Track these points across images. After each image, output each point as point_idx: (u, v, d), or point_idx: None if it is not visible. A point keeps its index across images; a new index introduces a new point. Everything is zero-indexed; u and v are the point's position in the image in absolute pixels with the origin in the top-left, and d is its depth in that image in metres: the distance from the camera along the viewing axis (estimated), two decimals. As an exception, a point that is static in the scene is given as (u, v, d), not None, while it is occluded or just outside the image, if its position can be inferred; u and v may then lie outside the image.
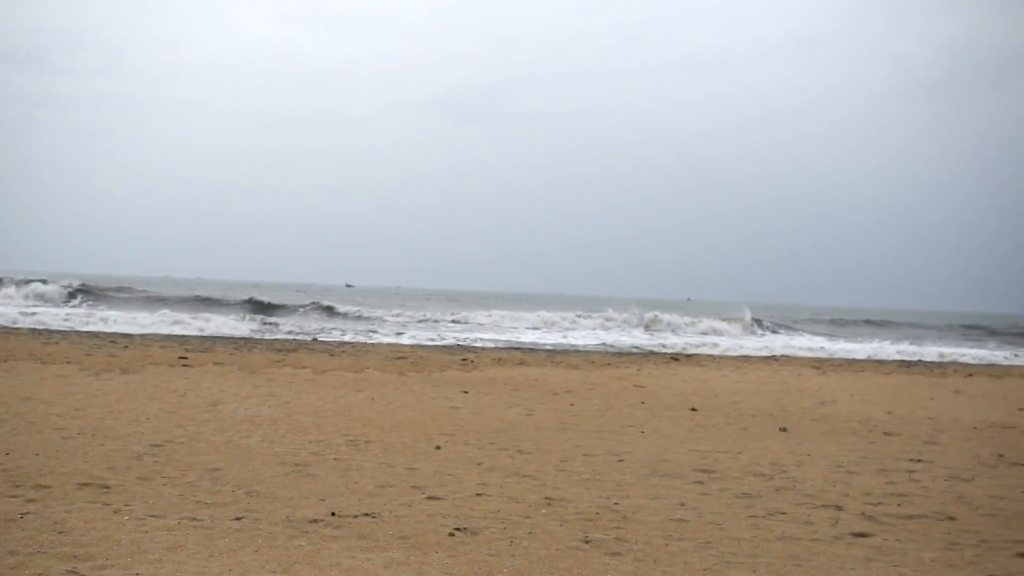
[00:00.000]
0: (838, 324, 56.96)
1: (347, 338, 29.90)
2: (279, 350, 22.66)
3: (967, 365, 29.38)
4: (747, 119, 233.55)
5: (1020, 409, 16.20)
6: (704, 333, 41.82)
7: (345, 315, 43.51)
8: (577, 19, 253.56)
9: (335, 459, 8.96)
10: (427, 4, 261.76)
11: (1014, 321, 76.55)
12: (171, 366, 17.43)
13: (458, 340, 30.94)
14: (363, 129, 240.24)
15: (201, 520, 6.48)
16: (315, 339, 28.60)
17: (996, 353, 37.28)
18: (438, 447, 9.89)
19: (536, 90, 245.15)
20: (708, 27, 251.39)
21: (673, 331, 42.29)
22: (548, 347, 29.81)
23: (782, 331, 48.06)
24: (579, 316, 44.67)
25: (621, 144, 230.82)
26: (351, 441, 10.05)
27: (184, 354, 19.93)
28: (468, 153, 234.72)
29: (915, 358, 32.03)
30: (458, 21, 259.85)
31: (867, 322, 59.91)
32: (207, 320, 32.38)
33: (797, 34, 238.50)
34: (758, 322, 47.80)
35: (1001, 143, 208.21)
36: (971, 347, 40.97)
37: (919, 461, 10.25)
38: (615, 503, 7.50)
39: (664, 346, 32.60)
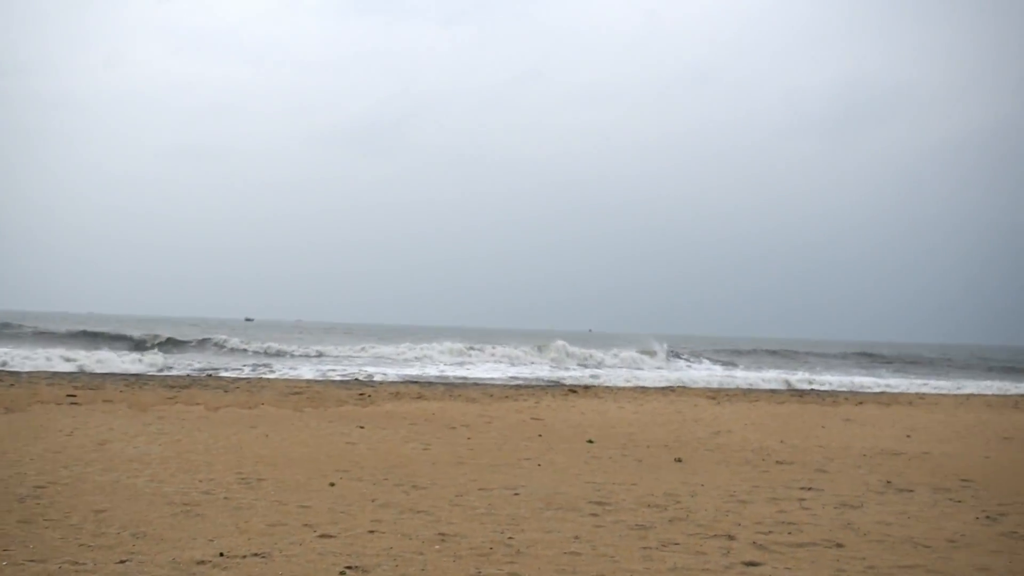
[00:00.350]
0: (738, 354, 57.87)
1: (243, 373, 29.46)
2: (172, 386, 22.21)
3: (858, 393, 30.09)
4: (642, 152, 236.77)
5: (908, 436, 16.61)
6: (605, 365, 42.08)
7: (242, 350, 42.88)
8: (477, 52, 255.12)
9: (225, 498, 8.79)
10: (325, 36, 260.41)
11: (906, 349, 78.93)
12: (59, 404, 16.97)
13: (356, 374, 30.69)
14: (261, 161, 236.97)
15: (83, 564, 6.30)
16: (209, 375, 28.10)
17: (888, 381, 38.29)
18: (332, 484, 9.77)
19: (436, 122, 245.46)
20: (606, 62, 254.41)
21: (581, 363, 42.46)
22: (446, 380, 29.74)
23: (690, 361, 48.74)
24: (479, 349, 44.66)
25: (520, 175, 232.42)
26: (243, 479, 9.87)
27: (73, 392, 19.43)
28: (368, 185, 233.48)
29: (809, 387, 32.75)
30: (356, 53, 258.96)
31: (768, 352, 61.02)
32: (98, 356, 31.60)
33: (693, 69, 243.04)
34: (673, 353, 48.41)
35: (887, 175, 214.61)
36: (863, 375, 42.03)
37: (810, 489, 10.43)
38: (509, 537, 7.48)
39: (572, 378, 32.80)
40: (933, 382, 38.52)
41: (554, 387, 27.93)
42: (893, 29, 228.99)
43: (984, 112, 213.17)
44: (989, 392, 33.83)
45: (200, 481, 9.66)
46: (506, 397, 22.48)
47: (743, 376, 37.12)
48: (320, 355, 41.64)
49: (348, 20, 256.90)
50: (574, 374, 35.50)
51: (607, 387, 28.58)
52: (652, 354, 46.40)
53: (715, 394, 26.22)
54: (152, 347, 40.89)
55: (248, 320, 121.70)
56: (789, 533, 7.96)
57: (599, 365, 42.01)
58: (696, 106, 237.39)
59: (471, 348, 44.46)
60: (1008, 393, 33.68)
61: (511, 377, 32.72)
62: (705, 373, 39.53)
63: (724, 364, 48.38)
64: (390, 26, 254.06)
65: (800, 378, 36.23)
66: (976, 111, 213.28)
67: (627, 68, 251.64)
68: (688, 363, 47.71)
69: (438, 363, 39.57)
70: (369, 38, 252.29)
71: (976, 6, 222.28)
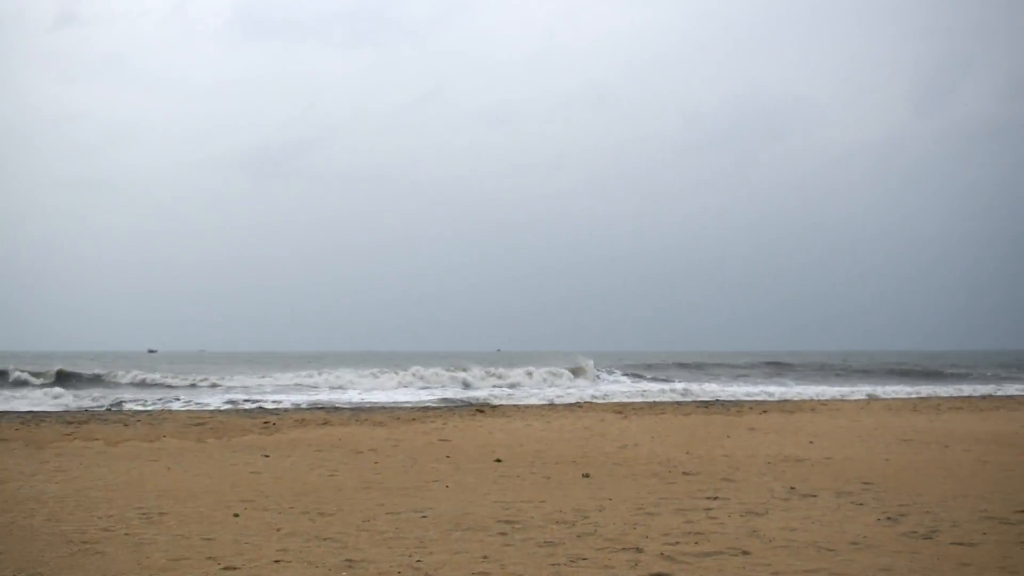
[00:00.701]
0: (647, 367, 58.42)
1: (145, 406, 28.85)
2: (69, 422, 21.63)
3: (762, 402, 30.58)
4: (544, 171, 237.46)
5: (811, 442, 16.91)
6: (519, 385, 42.06)
7: (142, 382, 42.02)
8: (376, 75, 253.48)
9: (126, 534, 8.56)
10: (221, 61, 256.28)
11: (811, 358, 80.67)
12: (-51, 445, 16.42)
13: (261, 402, 30.26)
14: (158, 189, 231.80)
15: (-26, 610, 6.09)
16: (109, 409, 27.47)
17: (794, 389, 39.06)
18: (236, 515, 9.59)
19: (336, 146, 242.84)
20: (505, 82, 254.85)
21: (495, 383, 42.35)
22: (353, 405, 29.51)
23: (600, 373, 49.10)
24: (390, 372, 44.39)
25: (420, 196, 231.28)
26: (144, 514, 9.63)
27: (-36, 432, 18.82)
28: (268, 212, 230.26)
29: (715, 398, 33.23)
30: (254, 78, 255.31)
31: (677, 364, 61.79)
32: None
33: (592, 88, 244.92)
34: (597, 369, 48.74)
35: (785, 188, 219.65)
36: (768, 384, 42.82)
37: (716, 499, 10.53)
38: (417, 561, 7.41)
39: (480, 398, 32.77)
40: (835, 388, 39.36)
41: (462, 408, 27.89)
42: (785, 46, 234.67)
43: (876, 124, 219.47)
44: (889, 396, 34.70)
45: (99, 518, 9.41)
46: (413, 420, 22.36)
47: (657, 388, 37.56)
48: (224, 384, 40.98)
49: (245, 45, 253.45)
50: (482, 394, 35.49)
51: (515, 405, 28.64)
52: (581, 371, 46.55)
53: (622, 408, 26.41)
54: (50, 382, 39.82)
55: (151, 351, 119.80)
56: (696, 543, 8.02)
57: (512, 385, 41.94)
58: (596, 124, 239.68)
59: (380, 372, 44.16)
60: (907, 396, 34.60)
61: (420, 400, 32.59)
62: (617, 387, 39.86)
63: (634, 378, 48.84)
64: (288, 50, 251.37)
65: (707, 389, 36.75)
66: (869, 123, 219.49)
67: (526, 88, 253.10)
68: (598, 375, 48.08)
69: (345, 388, 39.24)
70: (267, 62, 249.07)
71: (862, 21, 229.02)
